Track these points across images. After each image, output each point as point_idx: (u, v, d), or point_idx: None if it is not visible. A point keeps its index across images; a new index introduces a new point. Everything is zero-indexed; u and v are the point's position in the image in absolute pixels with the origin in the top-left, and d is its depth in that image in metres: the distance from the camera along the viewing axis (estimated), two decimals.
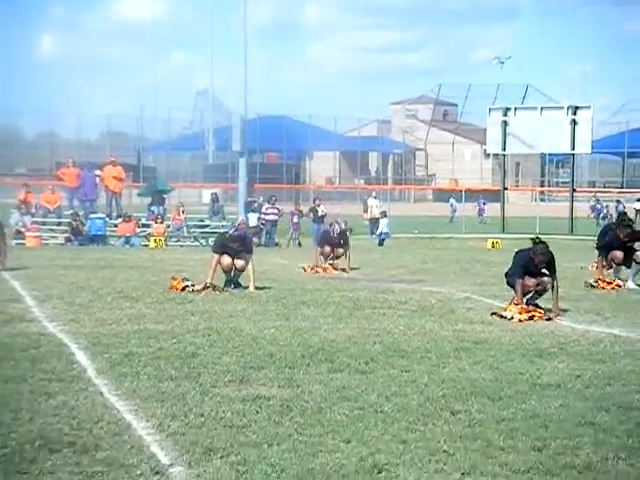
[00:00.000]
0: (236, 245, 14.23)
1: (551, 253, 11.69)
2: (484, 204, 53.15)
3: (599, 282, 14.86)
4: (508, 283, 11.96)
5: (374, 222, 36.02)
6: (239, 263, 14.23)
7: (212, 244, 17.05)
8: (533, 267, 11.61)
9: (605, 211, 47.66)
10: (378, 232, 33.58)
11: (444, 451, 5.45)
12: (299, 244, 30.94)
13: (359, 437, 5.72)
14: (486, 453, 5.43)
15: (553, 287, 11.60)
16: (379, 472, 5.07)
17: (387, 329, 10.16)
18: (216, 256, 14.14)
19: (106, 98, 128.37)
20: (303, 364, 8.04)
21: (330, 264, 18.31)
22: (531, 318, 11.03)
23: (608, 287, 14.69)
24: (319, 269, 18.01)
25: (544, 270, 11.65)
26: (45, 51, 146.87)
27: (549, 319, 11.07)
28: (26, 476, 4.97)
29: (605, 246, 15.41)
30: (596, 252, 16.51)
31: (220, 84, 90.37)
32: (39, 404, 6.50)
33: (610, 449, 5.51)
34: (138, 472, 5.04)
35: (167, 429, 5.88)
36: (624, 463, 5.27)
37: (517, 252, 12.08)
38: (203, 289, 13.56)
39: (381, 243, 32.04)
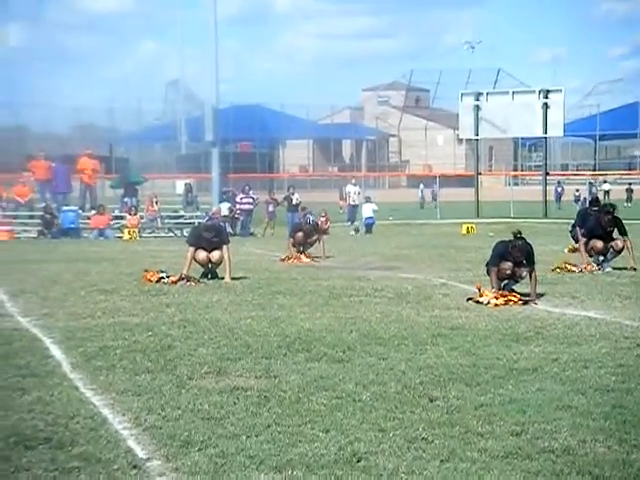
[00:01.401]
0: (211, 235, 14.14)
1: (530, 247, 11.64)
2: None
3: (568, 266, 14.85)
4: (488, 273, 11.94)
5: (352, 209, 35.72)
6: (215, 255, 14.13)
7: (187, 236, 16.95)
8: (511, 259, 11.57)
9: (577, 194, 47.96)
10: (364, 218, 32.95)
11: (422, 438, 5.44)
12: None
13: (337, 426, 5.70)
14: (464, 439, 5.42)
15: (531, 277, 11.57)
16: (358, 461, 5.05)
17: (363, 317, 10.14)
18: (191, 249, 14.05)
19: (75, 90, 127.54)
20: (280, 354, 8.01)
21: (304, 253, 18.24)
22: (507, 303, 11.04)
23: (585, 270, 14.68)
24: (294, 259, 17.94)
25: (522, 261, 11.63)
26: (11, 43, 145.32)
27: (525, 303, 11.09)
28: (0, 473, 4.91)
29: (587, 233, 15.25)
30: (569, 235, 16.50)
31: (191, 74, 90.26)
32: (13, 400, 6.42)
33: (587, 432, 5.53)
34: (115, 467, 4.99)
35: (144, 423, 5.83)
36: (601, 446, 5.28)
37: (497, 243, 12.05)
38: (178, 280, 13.49)
39: (369, 230, 31.70)
